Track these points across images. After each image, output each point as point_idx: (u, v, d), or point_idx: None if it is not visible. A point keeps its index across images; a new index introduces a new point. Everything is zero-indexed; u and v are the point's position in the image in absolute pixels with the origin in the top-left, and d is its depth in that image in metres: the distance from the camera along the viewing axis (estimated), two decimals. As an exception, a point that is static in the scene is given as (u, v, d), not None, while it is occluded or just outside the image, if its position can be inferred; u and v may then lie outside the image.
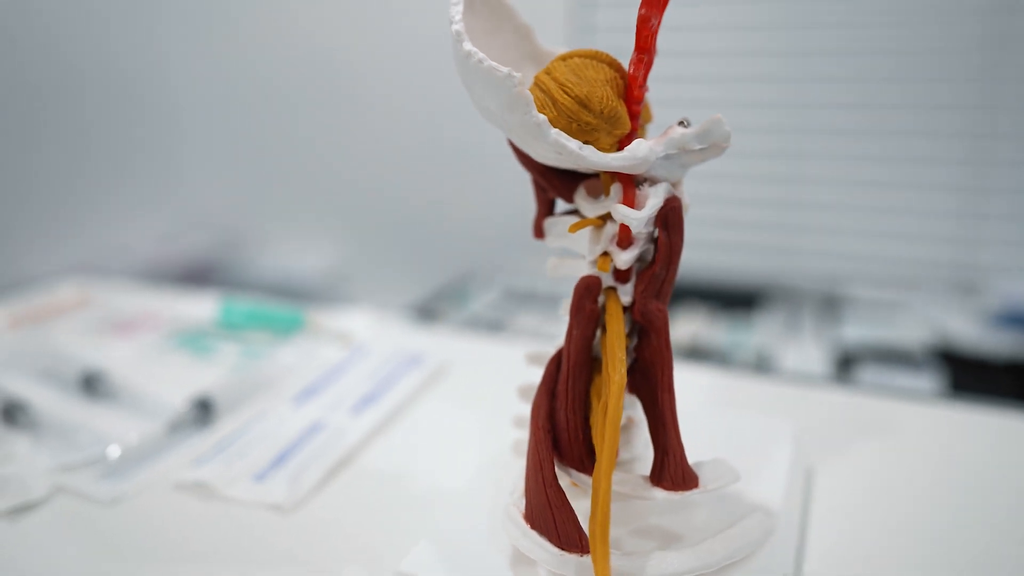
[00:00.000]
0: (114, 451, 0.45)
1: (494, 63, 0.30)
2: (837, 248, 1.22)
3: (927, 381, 0.91)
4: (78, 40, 1.44)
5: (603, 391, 0.31)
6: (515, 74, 0.29)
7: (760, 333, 1.07)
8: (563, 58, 0.32)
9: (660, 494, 0.32)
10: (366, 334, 0.62)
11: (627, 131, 0.32)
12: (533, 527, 0.31)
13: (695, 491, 0.32)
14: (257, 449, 0.45)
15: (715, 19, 1.19)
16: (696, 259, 1.27)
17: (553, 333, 1.09)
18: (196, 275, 1.51)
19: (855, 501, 0.40)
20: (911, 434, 0.47)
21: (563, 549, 0.30)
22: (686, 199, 0.34)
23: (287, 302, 0.70)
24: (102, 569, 0.37)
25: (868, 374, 0.94)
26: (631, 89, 0.31)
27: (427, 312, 1.19)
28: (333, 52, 1.46)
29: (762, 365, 0.98)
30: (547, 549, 0.31)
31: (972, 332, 1.02)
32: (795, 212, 1.23)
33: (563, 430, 0.32)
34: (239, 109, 1.56)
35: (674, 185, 0.35)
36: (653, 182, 0.32)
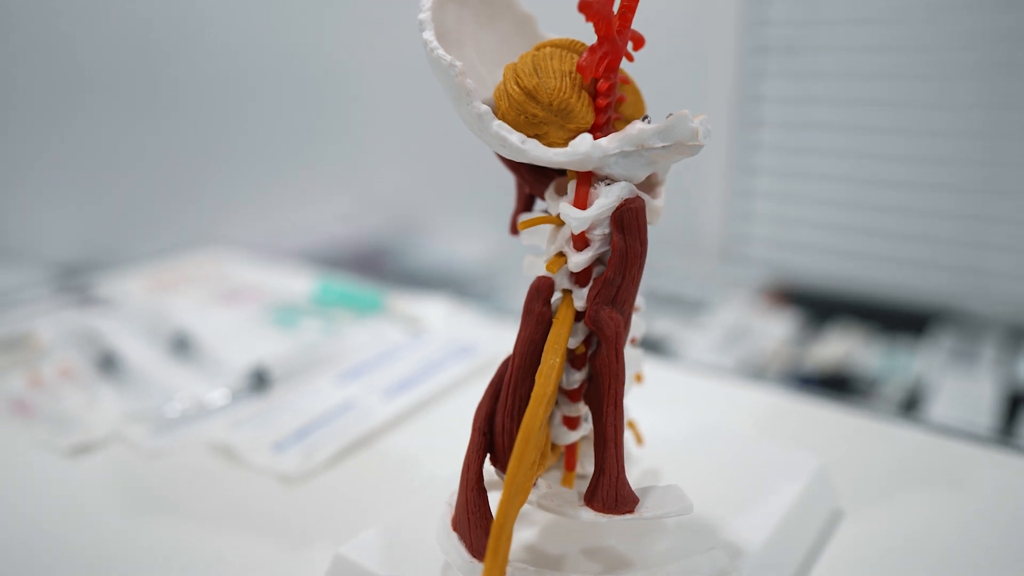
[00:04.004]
0: (171, 408, 0.49)
1: (442, 52, 0.29)
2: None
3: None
4: (271, 32, 1.59)
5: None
6: (456, 63, 0.29)
7: (920, 361, 0.96)
8: (537, 47, 0.31)
9: (587, 514, 0.30)
10: (436, 321, 0.63)
11: (585, 125, 0.30)
12: (454, 528, 0.31)
13: (628, 516, 0.29)
14: (286, 420, 0.48)
15: (904, 13, 1.07)
16: (857, 273, 1.16)
17: (684, 338, 1.05)
18: (365, 260, 1.61)
19: (883, 558, 0.35)
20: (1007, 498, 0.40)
21: (472, 556, 0.29)
22: (659, 202, 0.32)
23: (439, 291, 0.71)
24: (114, 515, 0.41)
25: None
26: (586, 80, 0.29)
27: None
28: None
29: (912, 400, 0.87)
30: (460, 553, 0.30)
31: None
32: (985, 226, 1.09)
33: (499, 434, 0.31)
34: (416, 100, 1.64)
35: (650, 187, 0.32)
36: (613, 181, 0.30)
